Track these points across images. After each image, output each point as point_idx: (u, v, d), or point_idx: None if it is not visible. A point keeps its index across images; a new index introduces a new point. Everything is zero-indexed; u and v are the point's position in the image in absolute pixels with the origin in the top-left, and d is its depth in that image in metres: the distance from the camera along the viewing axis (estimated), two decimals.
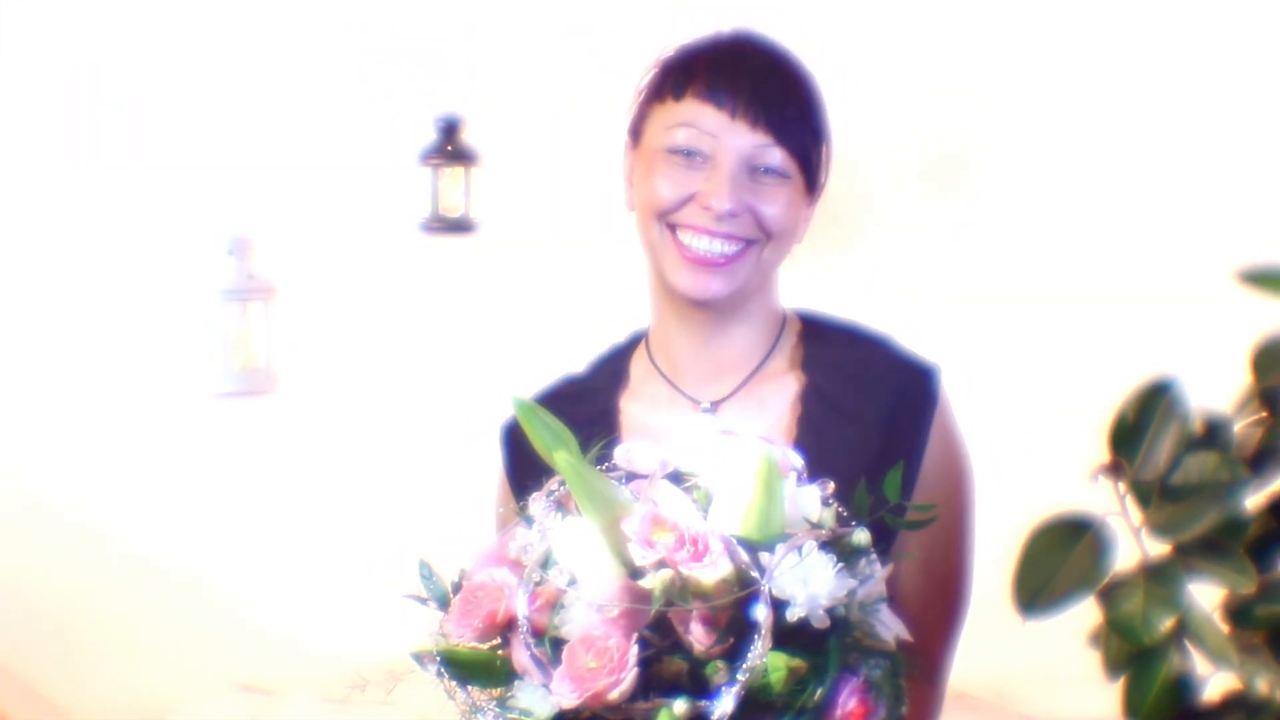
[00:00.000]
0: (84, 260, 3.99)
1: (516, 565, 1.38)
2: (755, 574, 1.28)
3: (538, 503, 1.39)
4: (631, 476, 1.39)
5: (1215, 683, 1.04)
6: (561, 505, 1.38)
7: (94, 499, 3.98)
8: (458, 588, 1.40)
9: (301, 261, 4.10)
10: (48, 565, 3.92)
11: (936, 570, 1.66)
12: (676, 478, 1.39)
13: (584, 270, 4.00)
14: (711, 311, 1.71)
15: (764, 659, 1.27)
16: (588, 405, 1.73)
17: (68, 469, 3.98)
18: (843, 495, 1.40)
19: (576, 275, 4.07)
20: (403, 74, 4.06)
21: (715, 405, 1.73)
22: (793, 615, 1.27)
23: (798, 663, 1.26)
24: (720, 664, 1.27)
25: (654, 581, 1.27)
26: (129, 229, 3.99)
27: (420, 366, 4.15)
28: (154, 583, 3.97)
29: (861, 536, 1.34)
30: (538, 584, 1.34)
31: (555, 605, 1.33)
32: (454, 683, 1.36)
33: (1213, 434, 1.05)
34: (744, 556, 1.30)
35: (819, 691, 1.27)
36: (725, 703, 1.26)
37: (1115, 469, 1.05)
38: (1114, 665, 1.04)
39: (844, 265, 3.94)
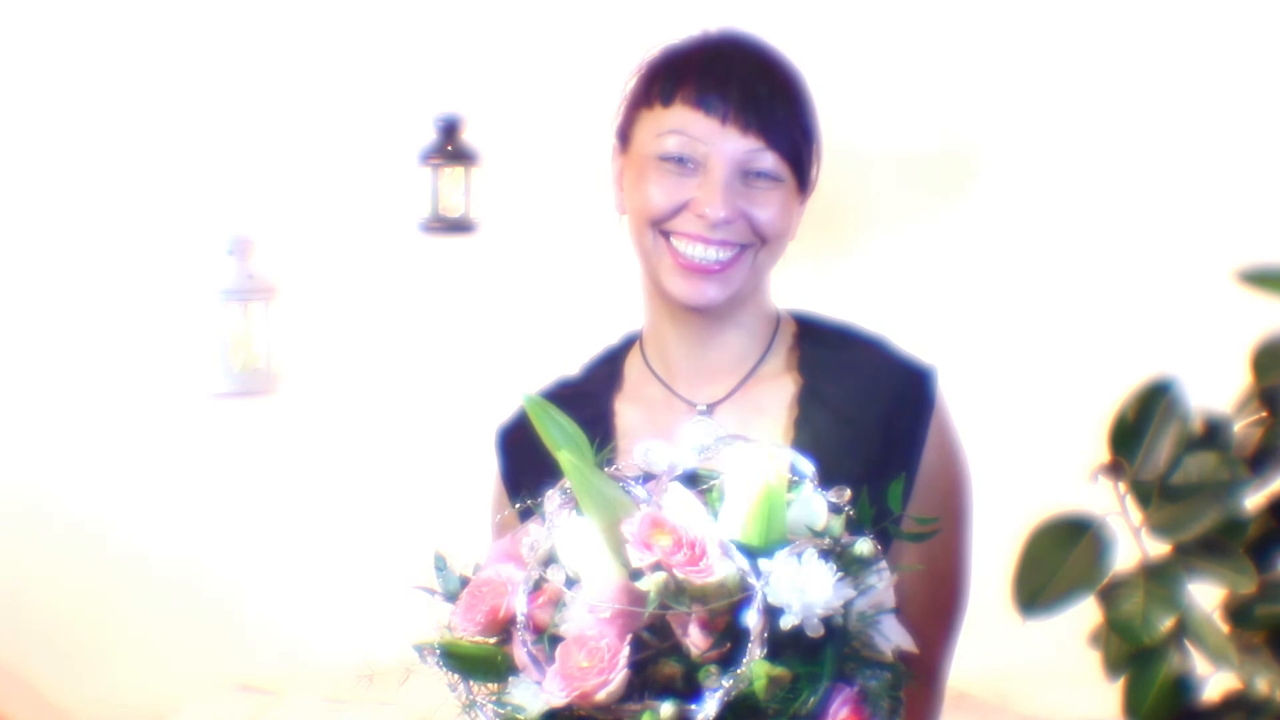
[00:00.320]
0: (84, 260, 3.99)
1: (524, 562, 1.38)
2: (752, 580, 1.28)
3: (552, 500, 1.39)
4: (649, 477, 1.39)
5: (1215, 683, 1.04)
6: (575, 503, 1.38)
7: (94, 499, 3.98)
8: (465, 582, 1.40)
9: (301, 261, 4.10)
10: (48, 565, 3.92)
11: (934, 573, 1.65)
12: (692, 480, 1.39)
13: (584, 270, 4.00)
14: (706, 315, 1.71)
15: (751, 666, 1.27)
16: (583, 408, 1.72)
17: (68, 469, 3.98)
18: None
19: (576, 275, 4.07)
20: (403, 74, 4.06)
21: (711, 408, 1.73)
22: (787, 623, 1.27)
23: (780, 671, 1.26)
24: (713, 669, 1.27)
25: (649, 584, 1.27)
26: (129, 229, 3.99)
27: (420, 366, 4.15)
28: (154, 583, 3.97)
29: (864, 547, 1.33)
30: (537, 582, 1.35)
31: (558, 603, 1.33)
32: (456, 675, 1.37)
33: (1213, 434, 1.05)
34: (742, 562, 1.29)
35: (811, 700, 1.27)
36: (709, 707, 1.26)
37: (1115, 469, 1.05)
38: (1114, 665, 1.04)
39: (844, 266, 3.94)
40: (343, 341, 4.15)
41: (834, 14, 3.93)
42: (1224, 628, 1.03)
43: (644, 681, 1.29)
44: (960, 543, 1.72)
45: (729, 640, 1.28)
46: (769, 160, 1.66)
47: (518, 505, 1.50)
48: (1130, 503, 1.04)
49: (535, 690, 1.31)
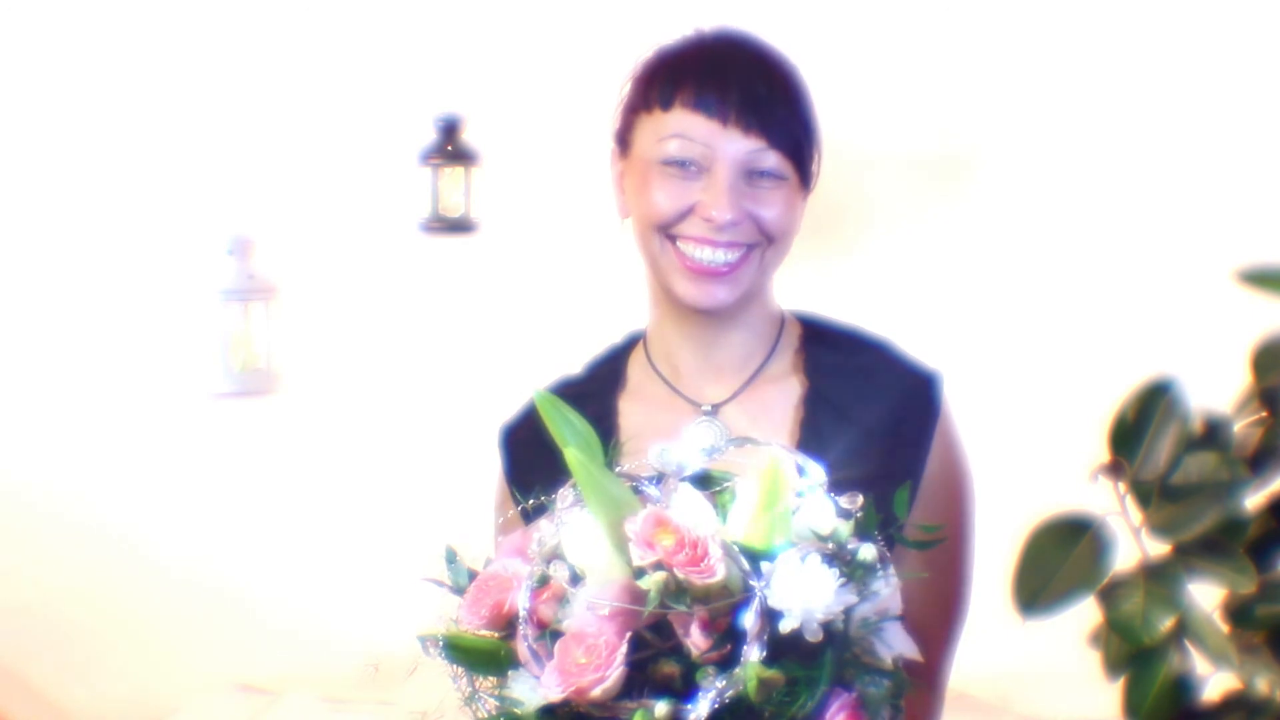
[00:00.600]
0: (84, 260, 3.99)
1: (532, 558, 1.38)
2: (753, 582, 1.28)
3: (564, 497, 1.39)
4: (664, 477, 1.39)
5: (1215, 683, 1.04)
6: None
7: (94, 499, 3.98)
8: (474, 576, 1.41)
9: (301, 261, 4.10)
10: (48, 565, 3.92)
11: (936, 577, 1.65)
12: (705, 481, 1.39)
13: (584, 270, 4.00)
14: (713, 315, 1.71)
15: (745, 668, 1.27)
16: (586, 406, 1.71)
17: (68, 469, 3.98)
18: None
19: (577, 275, 4.06)
20: (403, 74, 4.06)
21: (715, 408, 1.73)
22: (785, 626, 1.27)
23: (772, 673, 1.26)
24: (711, 669, 1.27)
25: (649, 583, 1.27)
26: (129, 229, 3.99)
27: (420, 366, 4.15)
28: (154, 582, 3.97)
29: (868, 553, 1.33)
30: (542, 578, 1.35)
31: (562, 600, 1.34)
32: (459, 668, 1.37)
33: (1213, 434, 1.05)
34: (743, 564, 1.29)
35: (809, 705, 1.27)
36: (701, 707, 1.26)
37: (1115, 469, 1.05)
38: (1114, 665, 1.04)
39: (843, 266, 3.94)
40: (343, 341, 4.15)
41: (834, 14, 3.92)
42: (1224, 628, 1.03)
43: (643, 680, 1.29)
44: (962, 547, 1.72)
45: (729, 642, 1.28)
46: (772, 159, 1.65)
47: (520, 505, 1.50)
48: (1130, 503, 1.04)
49: (534, 684, 1.31)
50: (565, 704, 1.29)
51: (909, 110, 3.98)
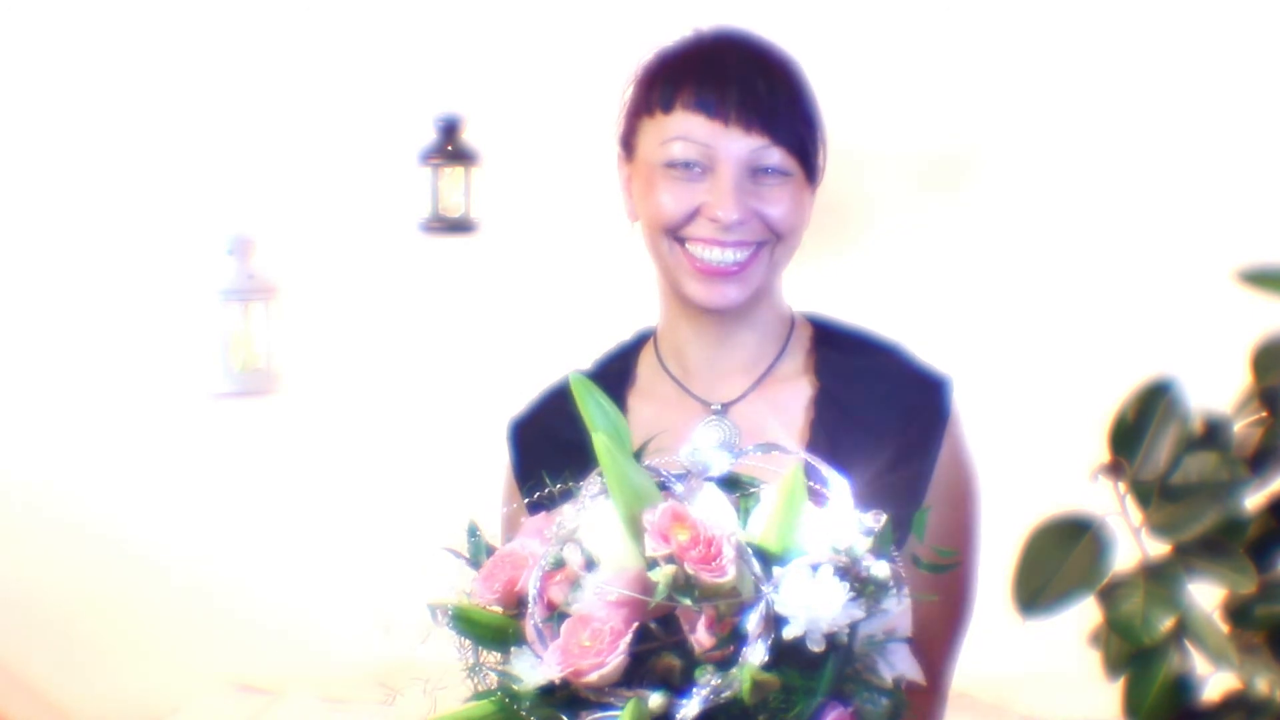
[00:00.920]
0: (84, 260, 3.99)
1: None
2: (763, 586, 1.28)
3: (591, 484, 1.39)
4: (689, 475, 1.39)
5: (1215, 683, 1.04)
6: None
7: (94, 499, 3.98)
8: (492, 552, 1.41)
9: (301, 261, 4.10)
10: (48, 565, 3.92)
11: (942, 582, 1.65)
12: (732, 484, 1.39)
13: (585, 270, 4.00)
14: (723, 315, 1.71)
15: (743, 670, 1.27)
16: None
17: (68, 469, 3.98)
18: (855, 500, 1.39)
19: (577, 275, 4.07)
20: (403, 74, 4.06)
21: (725, 407, 1.73)
22: (789, 633, 1.27)
23: (766, 677, 1.26)
24: (710, 668, 1.28)
25: (659, 575, 1.27)
26: (129, 229, 3.99)
27: (421, 366, 4.15)
28: (154, 583, 3.97)
29: (880, 570, 1.32)
30: (557, 560, 1.35)
31: (574, 583, 1.34)
32: (466, 640, 1.37)
33: (1213, 434, 1.05)
34: (755, 567, 1.29)
35: (804, 713, 1.27)
36: (692, 705, 1.26)
37: (1115, 469, 1.05)
38: (1114, 665, 1.04)
39: (843, 266, 3.94)
40: (343, 341, 4.15)
41: (834, 14, 3.93)
42: (1224, 628, 1.03)
43: (643, 672, 1.30)
44: (968, 553, 1.72)
45: (734, 643, 1.28)
46: (776, 156, 1.65)
47: (528, 499, 1.50)
48: (1130, 503, 1.04)
49: (535, 663, 1.32)
50: (563, 685, 1.29)
51: (910, 110, 3.98)
